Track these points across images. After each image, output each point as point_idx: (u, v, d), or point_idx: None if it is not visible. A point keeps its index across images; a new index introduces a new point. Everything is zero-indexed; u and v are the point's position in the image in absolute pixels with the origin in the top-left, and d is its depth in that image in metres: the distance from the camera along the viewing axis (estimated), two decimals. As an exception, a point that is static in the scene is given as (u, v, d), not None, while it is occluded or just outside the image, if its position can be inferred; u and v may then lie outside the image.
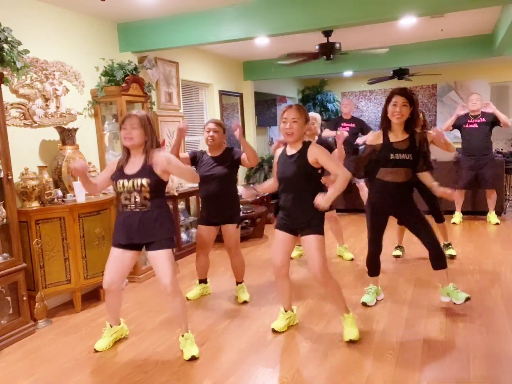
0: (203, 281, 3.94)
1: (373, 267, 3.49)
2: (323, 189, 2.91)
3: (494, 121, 5.84)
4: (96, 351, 2.98)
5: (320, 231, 2.88)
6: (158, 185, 2.75)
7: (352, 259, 4.70)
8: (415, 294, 3.70)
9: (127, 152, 2.80)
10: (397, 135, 3.20)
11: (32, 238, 3.42)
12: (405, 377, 2.50)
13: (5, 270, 3.16)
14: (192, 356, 2.78)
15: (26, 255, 3.40)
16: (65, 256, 3.57)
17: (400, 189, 3.24)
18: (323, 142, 3.97)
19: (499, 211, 6.31)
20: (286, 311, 3.18)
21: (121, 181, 2.74)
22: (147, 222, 2.74)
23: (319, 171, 2.87)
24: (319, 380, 2.53)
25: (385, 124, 3.22)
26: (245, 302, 3.71)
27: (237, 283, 3.83)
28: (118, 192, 2.78)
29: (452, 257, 4.53)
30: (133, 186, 2.70)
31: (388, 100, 3.18)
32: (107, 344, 3.01)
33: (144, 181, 2.69)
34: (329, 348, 2.87)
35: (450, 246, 4.63)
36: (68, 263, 3.59)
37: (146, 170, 2.71)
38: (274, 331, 3.12)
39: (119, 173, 2.78)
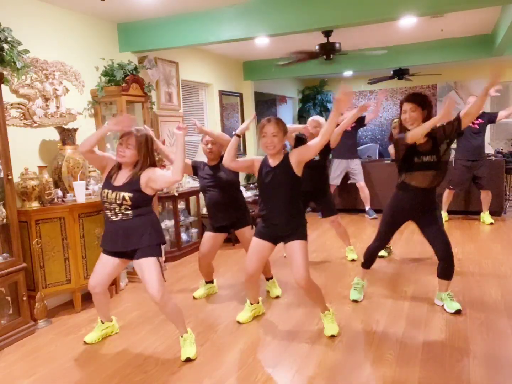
0: (209, 281, 3.96)
1: (371, 260, 3.58)
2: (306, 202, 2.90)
3: (490, 120, 5.82)
4: (85, 343, 3.08)
5: (305, 237, 2.96)
6: (140, 200, 2.76)
7: (353, 260, 4.69)
8: (415, 294, 3.70)
9: (118, 163, 2.83)
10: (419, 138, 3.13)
11: (32, 238, 3.42)
12: (405, 377, 2.50)
13: (5, 270, 3.16)
14: (187, 357, 2.78)
15: (26, 255, 3.40)
16: (65, 256, 3.57)
17: (425, 195, 3.21)
18: (297, 137, 4.25)
19: (499, 211, 6.31)
20: (251, 304, 3.36)
21: (106, 191, 2.77)
22: (130, 230, 2.76)
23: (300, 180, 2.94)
24: (319, 380, 2.52)
25: (404, 132, 3.15)
26: (277, 297, 3.76)
27: (267, 279, 3.86)
28: (102, 201, 2.81)
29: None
30: (115, 198, 2.73)
31: (400, 110, 3.19)
32: (96, 337, 3.12)
33: (127, 195, 2.71)
34: (329, 348, 2.87)
35: None
36: (68, 263, 3.59)
37: (131, 184, 2.73)
38: (238, 323, 3.27)
39: (107, 182, 2.81)
